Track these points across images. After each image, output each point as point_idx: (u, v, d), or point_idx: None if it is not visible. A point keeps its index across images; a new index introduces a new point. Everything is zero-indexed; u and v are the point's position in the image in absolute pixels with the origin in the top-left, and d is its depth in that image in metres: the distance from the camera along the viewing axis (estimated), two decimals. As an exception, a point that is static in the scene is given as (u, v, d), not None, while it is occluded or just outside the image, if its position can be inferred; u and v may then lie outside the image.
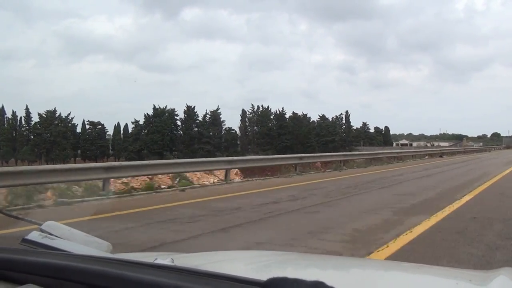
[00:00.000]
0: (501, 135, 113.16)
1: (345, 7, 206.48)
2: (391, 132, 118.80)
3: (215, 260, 1.34)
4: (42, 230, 1.07)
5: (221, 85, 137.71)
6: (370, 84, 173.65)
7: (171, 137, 74.39)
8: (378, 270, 1.35)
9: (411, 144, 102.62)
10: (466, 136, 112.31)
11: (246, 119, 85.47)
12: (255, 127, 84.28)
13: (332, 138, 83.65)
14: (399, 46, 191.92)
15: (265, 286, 0.63)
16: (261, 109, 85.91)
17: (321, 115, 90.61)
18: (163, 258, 0.95)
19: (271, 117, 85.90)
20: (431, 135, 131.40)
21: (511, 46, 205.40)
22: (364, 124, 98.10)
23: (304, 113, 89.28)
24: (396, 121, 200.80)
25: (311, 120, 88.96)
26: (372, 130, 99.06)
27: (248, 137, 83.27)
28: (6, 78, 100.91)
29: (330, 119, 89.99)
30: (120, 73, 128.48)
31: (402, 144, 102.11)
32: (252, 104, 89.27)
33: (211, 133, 75.97)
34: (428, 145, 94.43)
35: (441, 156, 29.91)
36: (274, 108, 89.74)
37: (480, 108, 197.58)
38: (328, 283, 0.62)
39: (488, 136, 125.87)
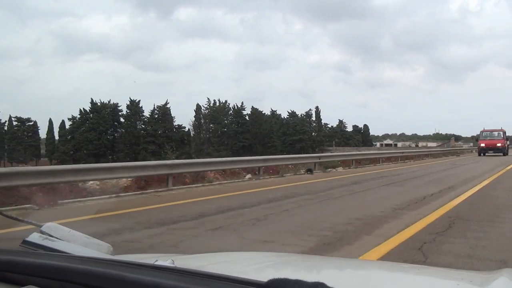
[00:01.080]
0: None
1: (338, 7, 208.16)
2: (385, 132, 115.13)
3: (216, 262, 1.34)
4: (42, 232, 1.07)
5: (218, 85, 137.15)
6: (366, 84, 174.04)
7: (112, 135, 64.55)
8: (379, 271, 1.35)
9: (395, 145, 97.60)
10: (460, 135, 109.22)
11: (201, 115, 73.11)
12: (211, 125, 72.31)
13: (299, 138, 72.42)
14: (394, 46, 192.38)
15: (266, 287, 0.63)
16: (217, 103, 73.97)
17: (290, 111, 78.63)
18: (163, 260, 0.95)
19: (229, 112, 73.86)
20: (424, 135, 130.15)
21: (505, 46, 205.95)
22: (341, 122, 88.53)
23: (274, 109, 79.05)
24: (391, 121, 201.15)
25: (282, 117, 78.32)
26: (349, 129, 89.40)
27: (202, 136, 71.97)
28: (1, 77, 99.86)
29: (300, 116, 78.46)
30: (116, 72, 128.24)
31: (386, 144, 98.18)
32: (208, 98, 76.28)
33: (159, 132, 64.78)
34: (413, 145, 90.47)
35: (309, 172, 14.09)
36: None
37: (476, 108, 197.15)
38: (329, 284, 0.62)
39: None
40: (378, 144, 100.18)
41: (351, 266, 1.50)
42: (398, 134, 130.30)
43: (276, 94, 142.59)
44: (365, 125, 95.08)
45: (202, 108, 73.75)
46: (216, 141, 70.58)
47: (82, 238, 1.11)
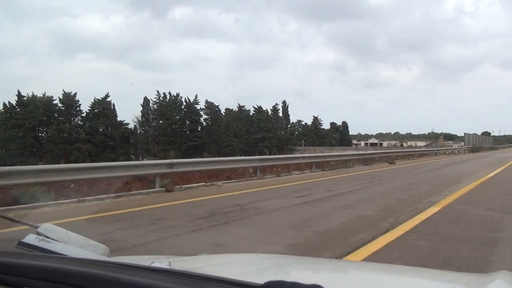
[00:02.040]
0: (492, 133, 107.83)
1: (333, 7, 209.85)
2: (379, 131, 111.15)
3: (212, 264, 1.34)
4: (38, 233, 1.06)
5: (214, 84, 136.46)
6: (363, 83, 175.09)
7: (45, 133, 55.46)
8: (375, 273, 1.35)
9: (381, 144, 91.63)
10: (455, 135, 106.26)
11: (149, 111, 63.51)
12: (161, 121, 62.39)
13: (262, 136, 63.37)
14: (390, 46, 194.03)
15: (262, 289, 0.63)
16: (168, 97, 63.98)
17: (257, 106, 69.36)
18: (160, 262, 0.94)
19: (182, 107, 63.90)
20: (419, 134, 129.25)
21: (501, 46, 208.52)
22: (315, 118, 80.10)
23: (241, 105, 70.02)
24: (388, 120, 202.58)
25: (251, 113, 69.39)
26: (325, 127, 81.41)
27: (148, 134, 62.62)
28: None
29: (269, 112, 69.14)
30: (112, 72, 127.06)
31: (371, 144, 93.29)
32: (158, 91, 66.11)
33: (101, 129, 55.40)
34: (398, 144, 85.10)
35: None
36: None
37: (472, 107, 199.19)
38: (325, 286, 0.62)
39: (479, 134, 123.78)
40: (362, 143, 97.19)
41: (348, 268, 1.50)
42: (392, 133, 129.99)
43: (273, 94, 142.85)
44: (344, 122, 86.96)
45: (151, 102, 63.58)
46: (164, 139, 60.20)
47: (79, 240, 1.10)
